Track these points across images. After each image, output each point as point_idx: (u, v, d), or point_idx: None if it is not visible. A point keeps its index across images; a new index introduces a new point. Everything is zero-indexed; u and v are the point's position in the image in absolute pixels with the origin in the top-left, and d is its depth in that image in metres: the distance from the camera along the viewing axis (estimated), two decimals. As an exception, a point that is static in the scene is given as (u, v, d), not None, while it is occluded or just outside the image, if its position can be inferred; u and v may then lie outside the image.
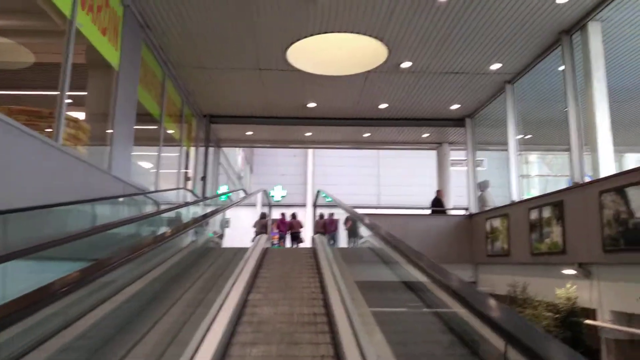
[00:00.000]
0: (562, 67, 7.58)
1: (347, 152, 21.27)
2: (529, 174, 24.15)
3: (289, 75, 8.69)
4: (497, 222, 8.97)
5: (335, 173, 22.07)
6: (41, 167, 4.13)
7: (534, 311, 6.37)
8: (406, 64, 8.26)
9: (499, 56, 8.06)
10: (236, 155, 18.26)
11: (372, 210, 19.72)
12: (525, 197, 23.00)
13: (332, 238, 11.85)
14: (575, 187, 6.75)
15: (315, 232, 10.97)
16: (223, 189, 15.77)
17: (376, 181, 22.38)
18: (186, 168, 10.62)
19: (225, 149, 15.04)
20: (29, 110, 5.06)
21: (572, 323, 5.77)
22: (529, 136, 12.92)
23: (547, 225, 7.17)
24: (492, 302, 1.64)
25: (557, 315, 5.92)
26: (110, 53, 5.78)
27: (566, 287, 6.18)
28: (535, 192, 23.52)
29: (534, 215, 7.56)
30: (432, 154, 19.58)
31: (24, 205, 3.62)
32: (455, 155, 13.78)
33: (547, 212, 7.20)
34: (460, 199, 13.58)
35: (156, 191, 7.37)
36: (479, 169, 22.10)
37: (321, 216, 12.92)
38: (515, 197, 8.77)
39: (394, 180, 22.09)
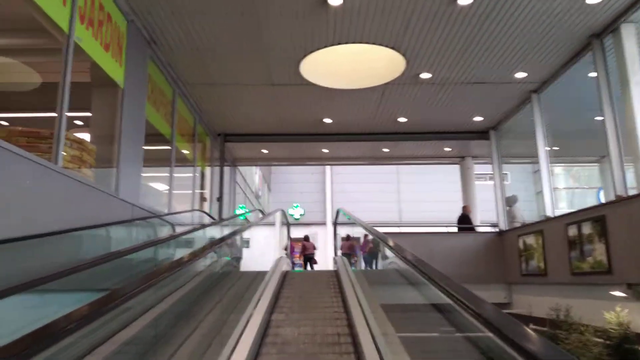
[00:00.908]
0: (593, 74, 7.08)
1: (365, 168, 20.86)
2: (555, 187, 23.32)
3: (303, 90, 8.36)
4: (531, 239, 8.39)
5: (354, 190, 21.63)
6: (37, 192, 3.80)
7: (581, 337, 5.77)
8: (425, 75, 7.85)
9: (524, 64, 7.59)
10: (253, 175, 17.98)
11: (393, 228, 19.18)
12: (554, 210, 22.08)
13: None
14: (619, 201, 6.18)
15: (342, 253, 10.44)
16: (241, 209, 15.45)
17: (396, 197, 21.85)
18: (202, 189, 10.33)
19: (241, 169, 14.77)
20: (29, 131, 4.79)
21: (626, 351, 5.17)
22: (555, 148, 12.34)
23: (588, 242, 6.59)
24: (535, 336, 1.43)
25: (608, 342, 5.32)
26: (114, 70, 5.51)
27: (616, 310, 5.58)
28: (562, 205, 22.68)
29: (572, 231, 6.98)
30: (454, 169, 19.06)
31: (12, 235, 3.28)
32: (478, 169, 13.23)
33: (587, 228, 6.63)
34: (485, 214, 12.98)
35: (167, 214, 7.04)
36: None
37: (347, 237, 12.28)
38: (550, 212, 8.18)
39: (415, 196, 21.53)
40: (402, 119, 9.91)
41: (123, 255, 4.28)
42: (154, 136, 7.57)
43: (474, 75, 7.92)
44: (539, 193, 22.34)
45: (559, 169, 23.36)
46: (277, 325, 4.51)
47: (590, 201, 19.59)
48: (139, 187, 6.06)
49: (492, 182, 20.76)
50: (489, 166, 15.25)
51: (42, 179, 3.89)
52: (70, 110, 6.78)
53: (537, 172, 23.07)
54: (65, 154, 4.80)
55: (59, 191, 4.14)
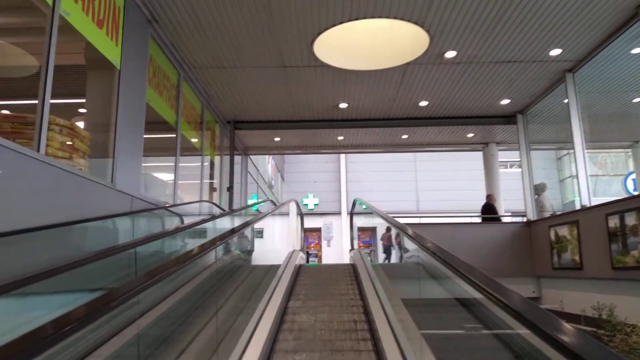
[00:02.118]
0: (637, 49, 6.39)
1: (381, 156, 20.25)
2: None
3: (317, 72, 7.78)
4: (564, 230, 7.75)
5: (369, 179, 21.06)
6: (11, 183, 3.33)
7: (628, 339, 5.18)
8: (450, 54, 7.21)
9: (559, 40, 6.90)
10: (266, 164, 17.49)
11: (411, 218, 18.57)
12: (576, 199, 21.30)
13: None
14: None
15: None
16: (253, 199, 14.98)
17: (414, 186, 21.21)
18: (211, 179, 9.87)
19: (254, 158, 14.28)
20: (14, 116, 4.34)
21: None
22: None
23: (632, 234, 5.95)
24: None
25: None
26: (110, 49, 5.00)
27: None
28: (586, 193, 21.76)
29: (613, 222, 6.34)
30: (474, 156, 18.32)
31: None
32: (500, 156, 12.53)
33: (631, 219, 5.99)
34: (509, 204, 12.32)
35: (170, 206, 6.56)
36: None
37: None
38: (587, 202, 7.52)
39: (433, 185, 20.88)
40: (423, 103, 9.27)
41: (115, 253, 3.81)
42: (157, 124, 7.09)
43: (504, 53, 7.25)
44: (563, 180, 21.53)
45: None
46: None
47: (615, 189, 18.75)
48: (139, 178, 5.57)
49: (514, 170, 20.07)
50: (512, 153, 14.57)
51: (20, 168, 3.41)
52: (68, 96, 6.37)
53: (561, 158, 22.23)
54: (52, 141, 4.34)
55: (41, 182, 3.66)
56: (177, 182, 7.13)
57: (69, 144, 4.66)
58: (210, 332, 3.62)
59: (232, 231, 4.72)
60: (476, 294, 2.18)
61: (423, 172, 21.31)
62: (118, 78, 5.18)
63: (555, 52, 7.21)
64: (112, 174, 4.98)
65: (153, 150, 7.83)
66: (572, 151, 22.73)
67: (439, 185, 20.77)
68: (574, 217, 7.60)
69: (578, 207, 21.88)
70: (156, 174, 7.83)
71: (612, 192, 19.27)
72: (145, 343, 3.02)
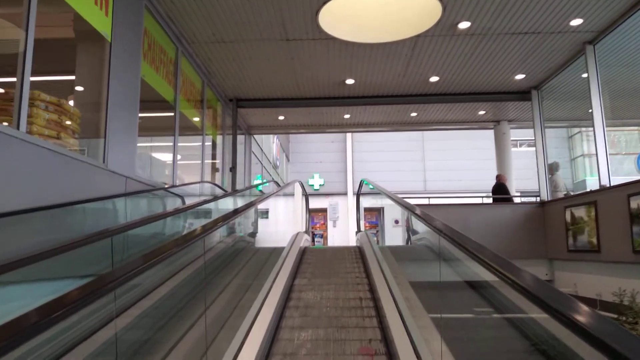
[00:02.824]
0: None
1: (388, 135, 19.84)
2: (591, 153, 21.96)
3: (322, 46, 7.37)
4: (580, 212, 7.41)
5: (376, 159, 20.68)
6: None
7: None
8: (464, 25, 6.78)
9: (581, 9, 6.45)
10: (270, 144, 17.14)
11: (419, 199, 18.24)
12: (587, 178, 20.78)
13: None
14: None
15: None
16: (259, 179, 14.68)
17: (421, 166, 20.83)
18: (213, 159, 9.57)
19: (258, 138, 13.93)
20: (-3, 93, 4.04)
21: None
22: (591, 110, 11.11)
23: (657, 216, 5.61)
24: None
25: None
26: (99, 19, 4.65)
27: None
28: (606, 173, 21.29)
29: (636, 203, 5.99)
30: (482, 134, 17.88)
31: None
32: (511, 134, 12.11)
33: (656, 200, 5.64)
34: (519, 183, 11.94)
35: (168, 187, 6.27)
36: (532, 149, 20.19)
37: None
38: (606, 182, 7.15)
39: (440, 164, 20.47)
40: (434, 79, 8.84)
41: (104, 238, 3.54)
42: (155, 102, 6.76)
43: (521, 24, 6.81)
44: (574, 159, 21.05)
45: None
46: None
47: (627, 168, 18.32)
48: (134, 158, 5.26)
49: (523, 149, 19.61)
50: (521, 131, 14.12)
51: (-2, 148, 3.11)
52: (61, 73, 6.02)
53: (572, 137, 21.71)
54: (36, 118, 4.04)
55: (21, 162, 3.36)
56: (176, 162, 6.83)
57: (57, 122, 4.37)
58: (217, 310, 3.46)
59: (227, 217, 4.43)
60: (489, 277, 2.05)
61: (430, 152, 20.89)
62: (109, 51, 4.84)
63: (576, 22, 6.76)
64: (104, 154, 4.68)
65: (151, 129, 7.52)
66: (584, 129, 22.14)
67: (446, 165, 20.37)
68: (592, 197, 7.25)
69: (589, 186, 21.35)
70: (155, 154, 7.52)
71: (624, 171, 18.83)
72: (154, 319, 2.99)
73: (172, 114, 6.85)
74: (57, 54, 5.34)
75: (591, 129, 7.71)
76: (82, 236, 3.25)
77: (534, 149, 9.64)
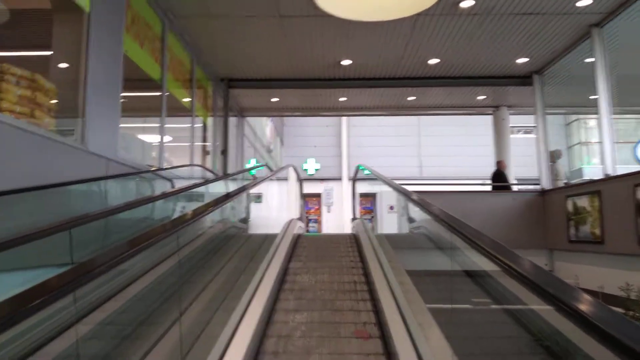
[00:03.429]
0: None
1: (384, 120, 19.49)
2: (588, 141, 21.76)
3: (317, 23, 7.01)
4: (583, 201, 7.17)
5: (371, 144, 20.35)
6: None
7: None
8: (466, 3, 6.44)
9: (589, -13, 6.15)
10: (264, 127, 16.76)
11: (414, 185, 18.00)
12: (584, 166, 20.56)
13: None
14: None
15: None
16: (251, 163, 14.35)
17: (417, 152, 20.53)
18: (204, 141, 9.23)
19: (251, 121, 13.57)
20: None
21: None
22: (593, 97, 10.86)
23: (665, 207, 5.38)
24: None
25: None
26: (75, -14, 4.29)
27: None
28: (596, 161, 21.14)
29: (642, 193, 5.76)
30: (478, 120, 17.57)
31: None
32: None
33: (665, 190, 5.40)
34: (517, 170, 11.69)
35: (157, 169, 5.96)
36: (529, 136, 19.93)
37: None
38: (611, 170, 6.90)
39: (436, 150, 20.18)
40: (433, 61, 8.51)
41: (81, 224, 3.25)
42: (141, 81, 6.41)
43: (526, 4, 6.47)
44: (571, 147, 20.82)
45: (593, 122, 21.67)
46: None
47: (624, 157, 18.15)
48: (117, 138, 4.94)
49: (520, 135, 19.36)
50: (519, 118, 13.83)
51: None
52: (36, 47, 5.64)
53: (569, 124, 21.46)
54: (7, 93, 3.71)
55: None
56: (164, 144, 6.50)
57: (30, 99, 4.03)
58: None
59: (209, 207, 4.12)
60: (490, 267, 2.02)
61: (427, 138, 20.58)
62: (87, 22, 4.48)
63: (583, 2, 6.44)
64: (83, 134, 4.36)
65: (137, 109, 7.18)
66: (581, 117, 21.80)
67: (442, 150, 20.09)
68: (595, 186, 7.00)
69: (586, 175, 21.05)
70: (142, 136, 7.18)
71: (621, 159, 18.66)
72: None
73: (159, 93, 6.50)
74: (31, 26, 4.98)
75: (589, 116, 7.47)
76: (52, 223, 2.97)
77: (530, 136, 9.41)
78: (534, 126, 9.46)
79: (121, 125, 5.28)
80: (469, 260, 2.88)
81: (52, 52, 4.72)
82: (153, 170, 5.82)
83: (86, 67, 4.41)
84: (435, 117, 18.03)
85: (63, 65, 4.65)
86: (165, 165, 6.64)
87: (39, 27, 4.96)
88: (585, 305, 1.22)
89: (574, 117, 20.99)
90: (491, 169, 10.52)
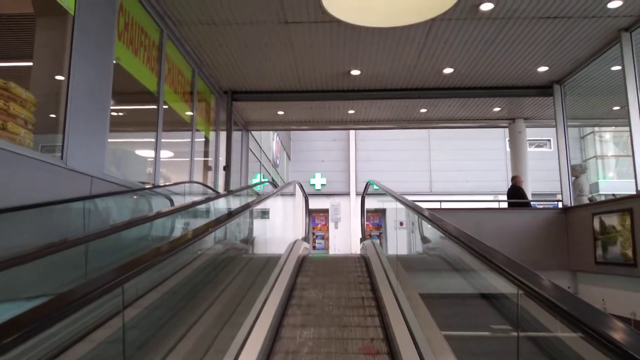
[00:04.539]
0: None
1: (393, 134, 19.06)
2: (604, 154, 21.12)
3: (325, 30, 6.58)
4: (612, 220, 6.61)
5: (380, 158, 19.89)
6: None
7: None
8: (487, 6, 5.98)
9: (619, -12, 5.67)
10: (270, 141, 16.34)
11: (425, 202, 17.43)
12: (600, 181, 19.86)
13: None
14: None
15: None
16: (257, 179, 13.88)
17: (427, 166, 20.01)
18: (206, 156, 8.79)
19: (257, 135, 13.14)
20: None
21: None
22: (616, 108, 10.36)
23: None
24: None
25: None
26: (57, -14, 3.87)
27: None
28: (611, 175, 20.50)
29: (686, 213, 5.20)
30: (491, 134, 17.04)
31: None
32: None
33: None
34: (533, 185, 11.12)
35: (153, 187, 5.49)
36: (541, 149, 19.35)
37: None
38: (646, 186, 6.35)
39: (447, 164, 19.65)
40: (447, 70, 8.03)
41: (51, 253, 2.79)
42: (136, 94, 6.00)
43: (551, 6, 6.00)
44: (586, 161, 20.16)
45: (608, 135, 21.08)
46: None
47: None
48: (103, 154, 4.48)
49: (533, 149, 18.77)
50: (531, 131, 13.27)
51: None
52: (15, 56, 5.24)
53: (584, 137, 20.85)
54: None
55: None
56: (160, 160, 6.05)
57: (1, 109, 3.59)
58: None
59: (197, 235, 3.61)
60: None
61: (437, 152, 20.08)
62: (72, 26, 4.06)
63: (614, 4, 5.96)
64: (63, 149, 3.90)
65: (130, 123, 6.76)
66: (597, 129, 21.12)
67: (453, 165, 19.56)
68: (627, 204, 6.44)
69: (602, 189, 20.32)
70: (137, 151, 6.74)
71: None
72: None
73: (155, 106, 6.06)
74: (11, 32, 4.58)
75: (604, 129, 6.93)
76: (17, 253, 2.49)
77: (543, 149, 8.89)
78: (547, 139, 8.99)
79: (113, 140, 4.85)
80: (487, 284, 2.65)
81: (33, 59, 4.30)
82: (145, 188, 5.35)
83: (69, 74, 3.98)
84: (445, 131, 17.55)
85: (44, 72, 4.23)
86: (161, 182, 6.19)
87: (17, 32, 4.56)
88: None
89: (588, 129, 20.43)
90: (503, 183, 9.99)
